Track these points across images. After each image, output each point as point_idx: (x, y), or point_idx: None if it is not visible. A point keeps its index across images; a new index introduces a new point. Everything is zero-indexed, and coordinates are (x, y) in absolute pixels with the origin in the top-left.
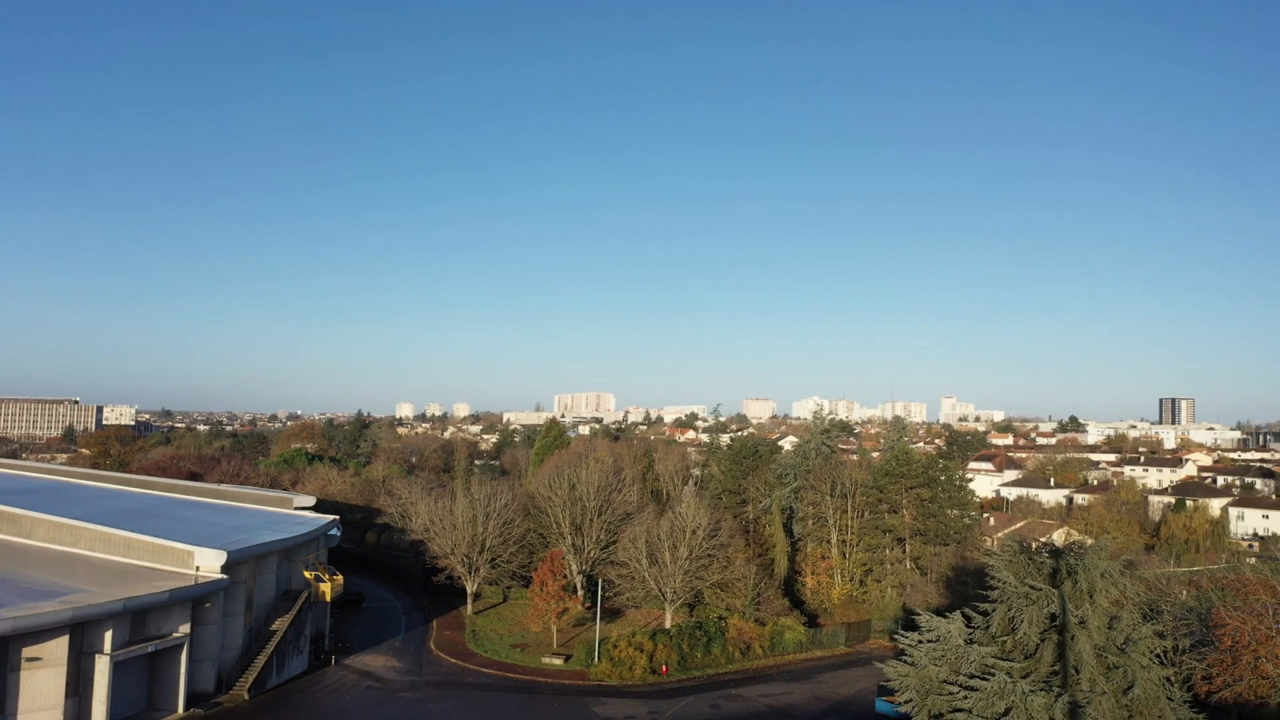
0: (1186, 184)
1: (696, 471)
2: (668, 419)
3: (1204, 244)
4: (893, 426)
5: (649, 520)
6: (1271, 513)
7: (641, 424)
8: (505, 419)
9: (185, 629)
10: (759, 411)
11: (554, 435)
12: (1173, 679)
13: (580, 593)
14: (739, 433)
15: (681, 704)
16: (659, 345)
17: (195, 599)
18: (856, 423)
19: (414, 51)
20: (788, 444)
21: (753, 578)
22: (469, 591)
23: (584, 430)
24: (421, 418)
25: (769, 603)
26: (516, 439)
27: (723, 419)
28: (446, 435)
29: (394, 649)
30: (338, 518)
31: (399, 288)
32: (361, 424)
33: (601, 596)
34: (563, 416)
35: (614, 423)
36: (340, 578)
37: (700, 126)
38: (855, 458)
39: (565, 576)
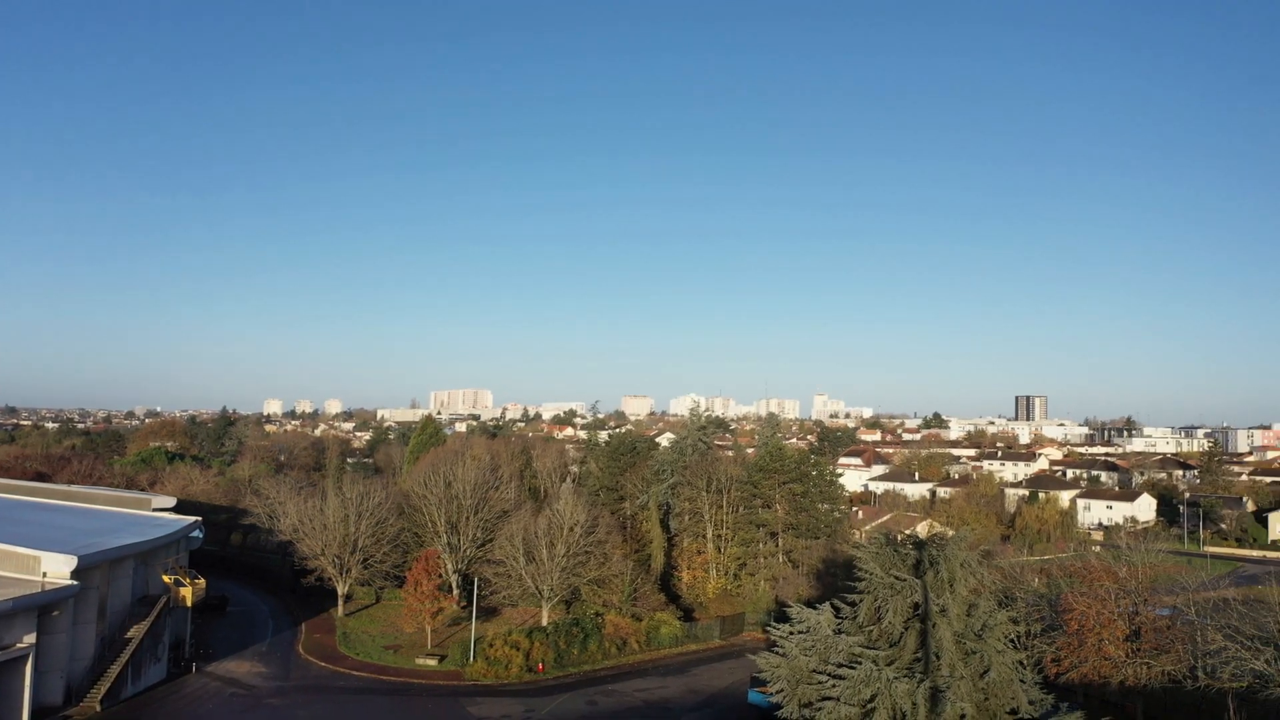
0: (1037, 194)
1: (575, 468)
2: (546, 416)
3: (1057, 250)
4: (767, 423)
5: (526, 518)
6: (1114, 503)
7: (520, 421)
8: (380, 416)
9: (30, 639)
10: (637, 409)
11: (430, 432)
12: (1025, 662)
13: (456, 592)
14: (617, 430)
15: (558, 701)
16: (538, 342)
17: (42, 607)
18: (732, 420)
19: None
20: (665, 441)
21: (630, 573)
22: (340, 593)
23: (461, 428)
24: (291, 415)
25: (646, 598)
26: (391, 436)
27: (601, 416)
28: (318, 433)
29: (260, 654)
30: (200, 519)
31: (265, 280)
32: (227, 421)
33: (478, 595)
34: (439, 414)
35: (492, 420)
36: (203, 581)
37: (588, 121)
38: (731, 454)
39: (440, 576)
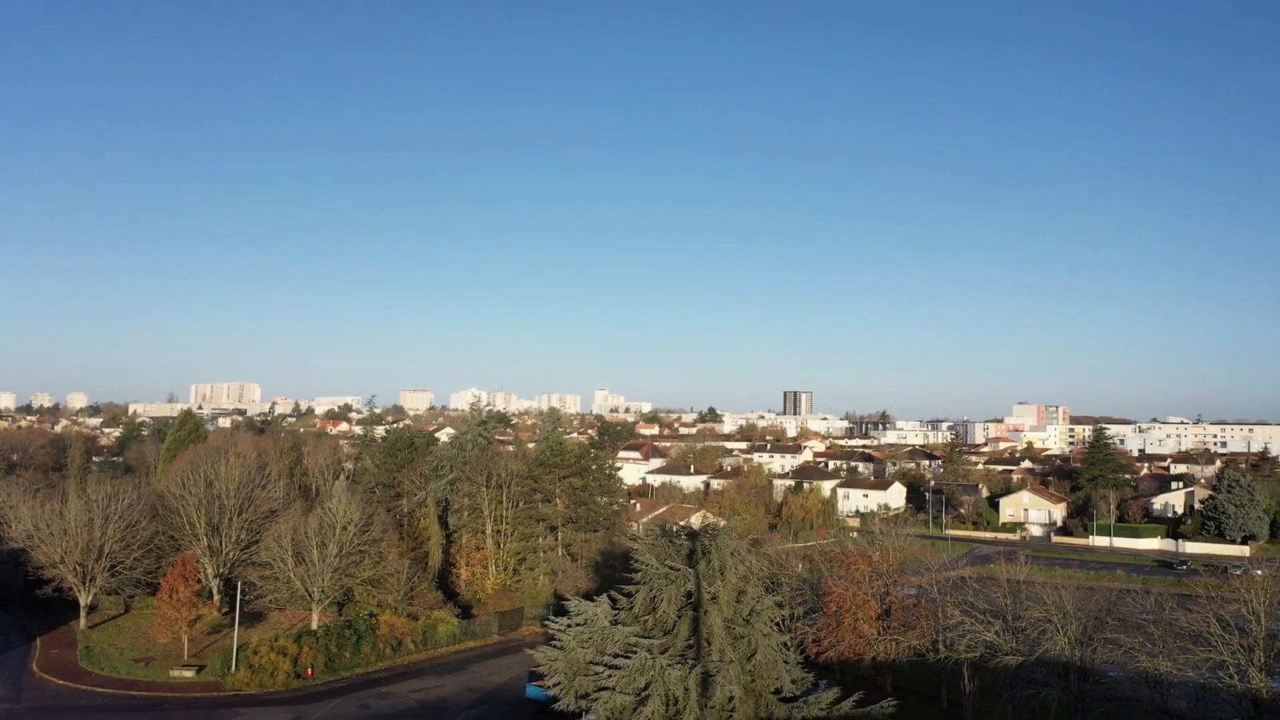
0: (808, 203)
1: (349, 465)
2: (319, 411)
3: (820, 258)
4: (548, 418)
5: (296, 517)
6: (870, 492)
7: (290, 416)
8: (132, 411)
9: None
10: (416, 403)
11: (189, 428)
12: (789, 644)
13: (217, 597)
14: (395, 425)
15: (328, 706)
16: (311, 334)
17: None
18: (514, 414)
19: None
20: (445, 436)
21: (406, 572)
22: (83, 604)
23: (225, 423)
24: (27, 409)
25: (422, 596)
26: (145, 433)
27: (378, 411)
28: (58, 429)
29: None
30: None
31: None
32: None
33: (241, 600)
34: (200, 408)
35: (259, 415)
36: None
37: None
38: (512, 449)
39: (200, 581)
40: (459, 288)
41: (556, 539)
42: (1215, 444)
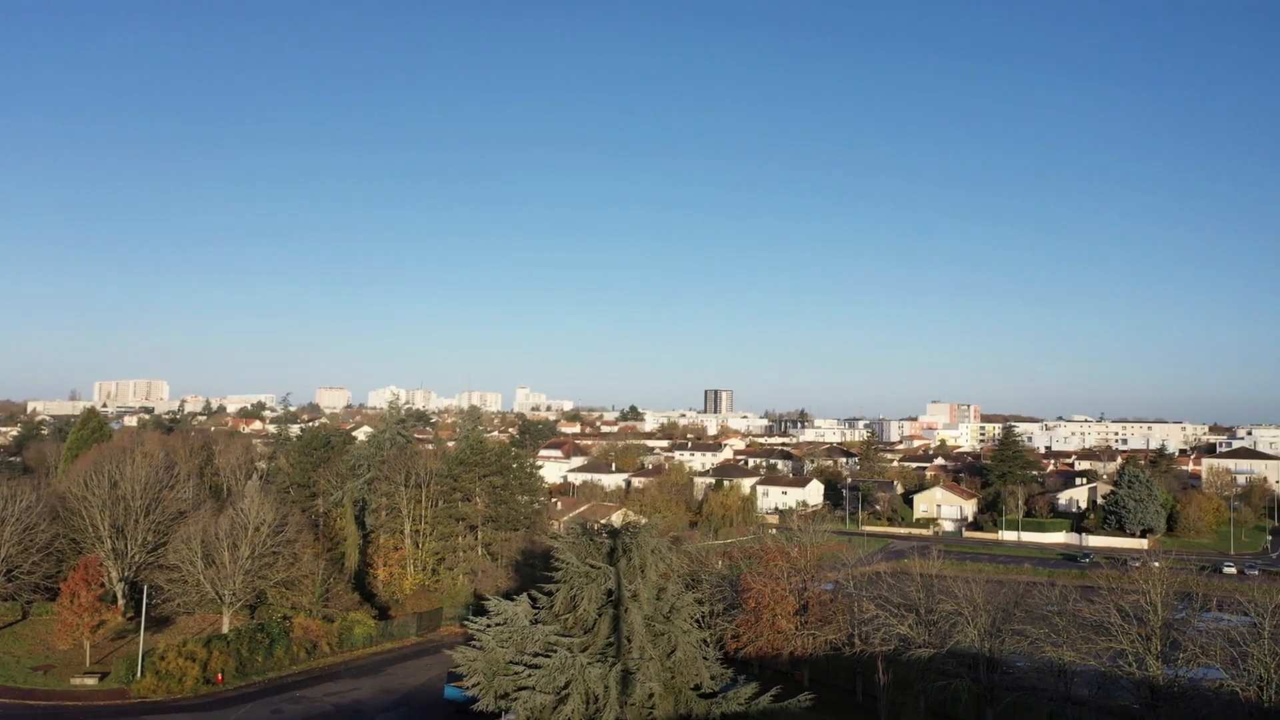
0: (720, 198)
1: (263, 464)
2: (232, 409)
3: (738, 254)
4: (468, 416)
5: (206, 518)
6: (789, 489)
7: (201, 414)
8: (30, 409)
9: None
10: (333, 401)
11: (92, 427)
12: (709, 640)
13: (122, 602)
14: (311, 423)
15: (239, 712)
16: (223, 328)
17: None
18: (434, 412)
19: None
20: (362, 434)
21: (321, 573)
22: None
23: (131, 421)
24: None
25: (339, 598)
26: (45, 432)
27: (293, 409)
28: None
29: None
30: None
31: None
32: None
33: (148, 605)
34: (104, 406)
35: (168, 413)
36: None
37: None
38: (431, 447)
39: (103, 585)
40: (377, 285)
41: (476, 538)
42: (1116, 441)
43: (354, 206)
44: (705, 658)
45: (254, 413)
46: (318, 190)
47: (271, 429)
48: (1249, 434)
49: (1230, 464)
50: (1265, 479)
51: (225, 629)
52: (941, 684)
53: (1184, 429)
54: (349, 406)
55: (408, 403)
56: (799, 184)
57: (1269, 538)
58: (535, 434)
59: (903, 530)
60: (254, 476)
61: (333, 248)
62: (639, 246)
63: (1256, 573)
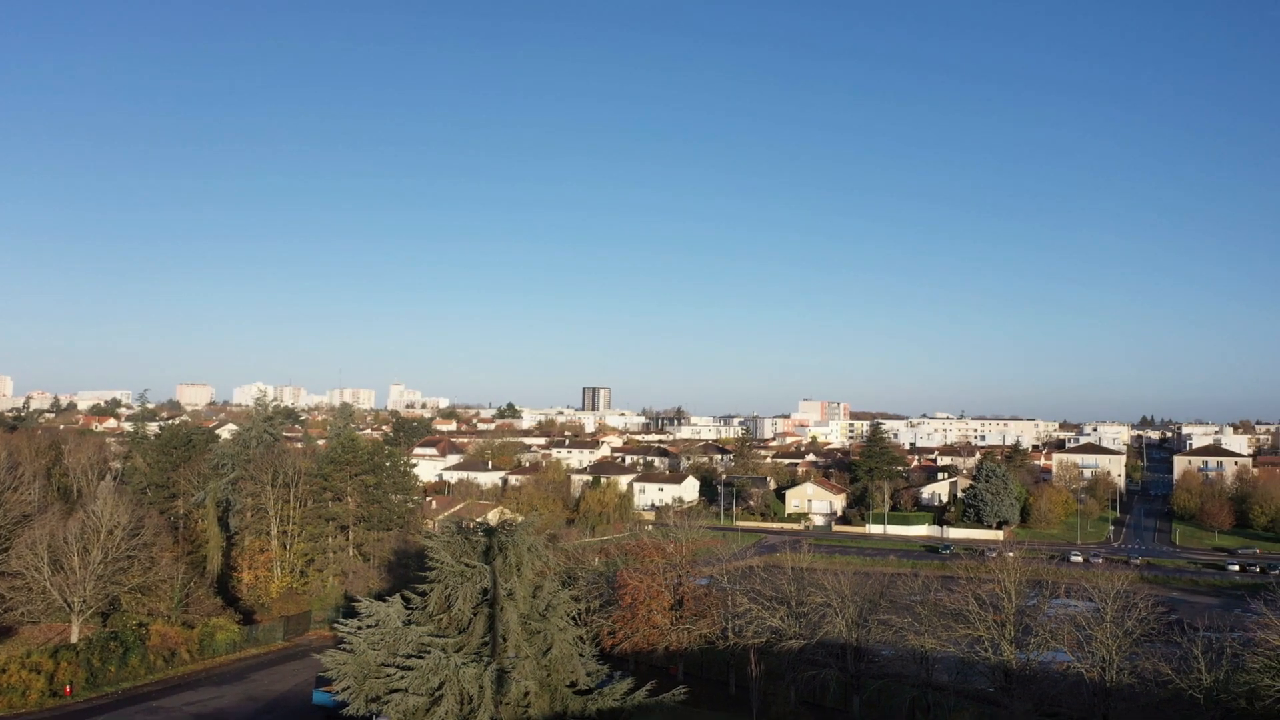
0: (595, 196)
1: (118, 464)
2: (83, 406)
3: (614, 253)
4: (340, 413)
5: (54, 521)
6: (665, 486)
7: (49, 412)
8: None
9: None
10: (195, 398)
11: None
12: (585, 637)
13: None
14: (170, 421)
15: None
16: (73, 321)
17: None
18: (303, 409)
19: None
20: (226, 432)
21: (181, 578)
22: None
23: None
24: None
25: (200, 603)
26: None
27: (151, 406)
28: None
29: None
30: None
31: None
32: None
33: None
34: None
35: (11, 410)
36: None
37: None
38: (301, 445)
39: None
40: (241, 279)
41: (348, 539)
42: (975, 437)
43: (219, 200)
44: (581, 655)
45: (108, 410)
46: (176, 181)
47: (127, 427)
48: (1095, 430)
49: (1078, 459)
50: (1109, 472)
51: (75, 638)
52: (811, 674)
53: (1036, 425)
54: (212, 404)
55: (276, 399)
56: (677, 184)
57: (1111, 528)
58: (410, 432)
59: (775, 525)
60: (107, 477)
61: (193, 239)
62: (516, 244)
63: (1100, 561)
